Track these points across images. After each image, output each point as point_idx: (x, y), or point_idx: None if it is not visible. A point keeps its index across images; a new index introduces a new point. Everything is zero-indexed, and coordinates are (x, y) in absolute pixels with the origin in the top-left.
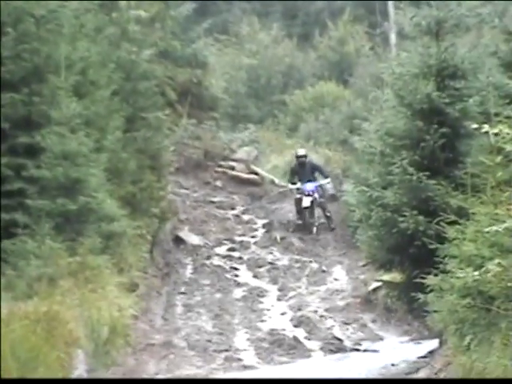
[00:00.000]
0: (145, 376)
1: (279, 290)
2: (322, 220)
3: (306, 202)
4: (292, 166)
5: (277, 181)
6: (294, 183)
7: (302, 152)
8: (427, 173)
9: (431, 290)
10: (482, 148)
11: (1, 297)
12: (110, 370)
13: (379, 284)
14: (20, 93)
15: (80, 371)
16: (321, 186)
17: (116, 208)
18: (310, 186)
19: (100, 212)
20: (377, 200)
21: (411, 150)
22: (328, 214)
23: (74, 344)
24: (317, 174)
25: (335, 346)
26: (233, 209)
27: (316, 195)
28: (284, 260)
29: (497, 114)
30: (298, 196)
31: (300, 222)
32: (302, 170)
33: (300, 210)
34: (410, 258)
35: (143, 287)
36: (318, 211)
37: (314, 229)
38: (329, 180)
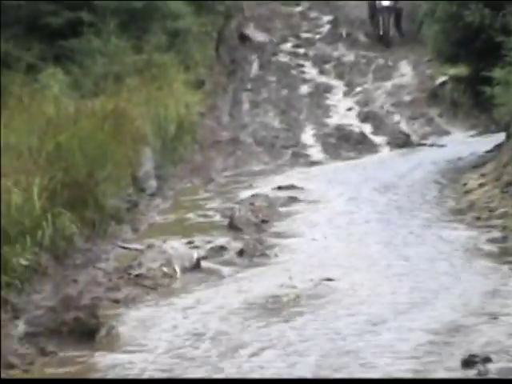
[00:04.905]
0: (212, 172)
1: (345, 85)
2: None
3: (386, 1)
4: None
5: None
6: None
7: None
8: None
9: (498, 83)
10: None
11: None
12: (178, 167)
13: (445, 78)
14: None
15: (147, 167)
16: None
17: (181, 5)
18: None
19: (165, 9)
20: None
21: None
22: (400, 22)
23: (142, 141)
24: None
25: (402, 141)
26: (298, 5)
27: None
28: (350, 56)
29: None
30: None
31: (375, 28)
32: None
33: (374, 15)
34: (475, 51)
35: (209, 84)
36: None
37: (389, 38)
38: None
